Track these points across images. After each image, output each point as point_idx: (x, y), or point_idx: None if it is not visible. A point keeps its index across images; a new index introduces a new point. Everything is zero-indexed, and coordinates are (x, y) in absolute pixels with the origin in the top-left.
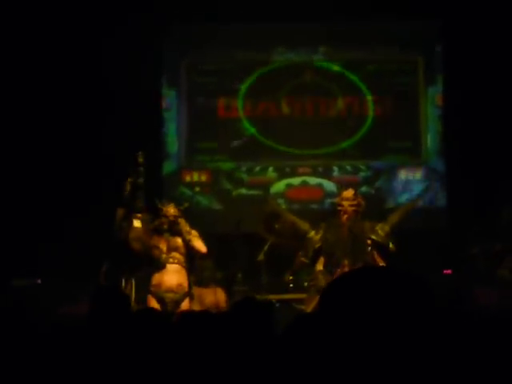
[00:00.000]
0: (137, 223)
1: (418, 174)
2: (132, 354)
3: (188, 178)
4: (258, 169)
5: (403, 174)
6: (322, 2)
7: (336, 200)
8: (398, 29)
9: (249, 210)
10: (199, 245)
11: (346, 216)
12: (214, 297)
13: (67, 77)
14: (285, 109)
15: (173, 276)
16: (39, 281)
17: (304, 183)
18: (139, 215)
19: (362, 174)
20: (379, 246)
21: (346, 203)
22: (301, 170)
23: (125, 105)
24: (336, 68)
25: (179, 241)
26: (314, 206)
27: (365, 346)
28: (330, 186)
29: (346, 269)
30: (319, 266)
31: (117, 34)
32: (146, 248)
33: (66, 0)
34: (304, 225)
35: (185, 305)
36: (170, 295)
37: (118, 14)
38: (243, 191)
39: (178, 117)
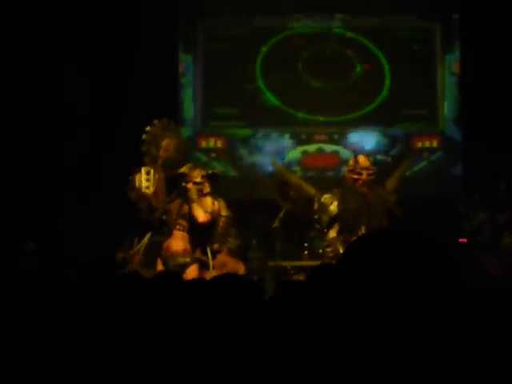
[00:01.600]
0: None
1: (434, 142)
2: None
3: (204, 144)
4: (274, 136)
5: (419, 142)
6: None
7: (353, 168)
8: None
9: (264, 176)
10: (197, 213)
11: (364, 185)
12: (236, 266)
13: (83, 42)
14: (302, 75)
15: (179, 242)
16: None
17: (320, 150)
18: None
19: (378, 141)
20: (390, 214)
21: (364, 172)
22: (317, 137)
23: (141, 70)
24: (353, 35)
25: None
26: (330, 174)
27: (385, 309)
28: (345, 153)
29: None
30: (333, 233)
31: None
32: (160, 208)
33: None
34: (310, 189)
35: (191, 270)
36: (174, 260)
37: None
38: (259, 158)
39: (195, 82)
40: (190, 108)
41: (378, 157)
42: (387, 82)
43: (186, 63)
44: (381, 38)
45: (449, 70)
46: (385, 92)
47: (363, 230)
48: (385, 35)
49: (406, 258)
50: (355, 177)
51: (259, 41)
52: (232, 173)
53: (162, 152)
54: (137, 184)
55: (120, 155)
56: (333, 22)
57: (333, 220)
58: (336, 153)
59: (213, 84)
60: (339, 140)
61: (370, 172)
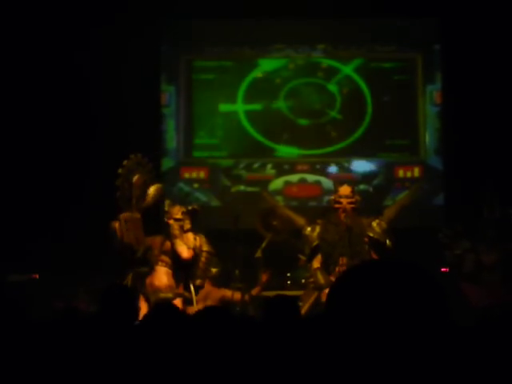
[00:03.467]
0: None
1: (416, 172)
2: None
3: (187, 175)
4: (256, 165)
5: (401, 172)
6: None
7: (333, 197)
8: (397, 26)
9: (247, 206)
10: (181, 249)
11: (344, 214)
12: (220, 293)
13: (65, 72)
14: (283, 107)
15: (162, 277)
16: (36, 276)
17: (302, 180)
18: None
19: (360, 171)
20: (375, 243)
21: (344, 200)
22: (299, 167)
23: (123, 101)
24: (335, 65)
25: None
26: (313, 204)
27: (376, 344)
28: (328, 183)
29: (345, 267)
30: (316, 264)
31: (115, 30)
32: (141, 248)
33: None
34: (300, 220)
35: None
36: (157, 295)
37: (116, 10)
38: (242, 188)
39: (177, 113)
40: (172, 138)
41: (361, 186)
42: (369, 111)
43: (168, 93)
44: (362, 67)
45: (430, 100)
46: (366, 122)
47: (344, 260)
48: (366, 65)
49: (394, 289)
50: (336, 206)
51: (242, 71)
52: (215, 203)
53: (133, 189)
54: (118, 234)
55: (99, 188)
56: (315, 52)
57: (314, 250)
58: (318, 183)
59: (195, 114)
60: (321, 170)
61: (351, 200)
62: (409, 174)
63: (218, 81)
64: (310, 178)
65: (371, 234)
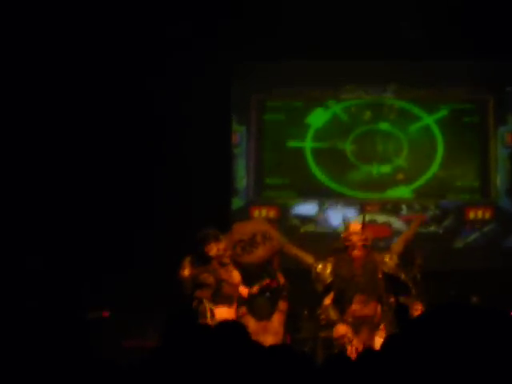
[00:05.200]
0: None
1: (487, 214)
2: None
3: (256, 214)
4: (326, 206)
5: (472, 214)
6: (391, 40)
7: (343, 235)
8: (469, 68)
9: (315, 246)
10: (242, 289)
11: (355, 251)
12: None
13: (138, 110)
14: (354, 147)
15: (233, 312)
16: (107, 314)
17: (372, 221)
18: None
19: (430, 212)
20: (391, 278)
21: (354, 238)
22: (369, 207)
23: (195, 142)
24: (405, 106)
25: (238, 278)
26: (382, 244)
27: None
28: (398, 224)
29: (358, 305)
30: (327, 301)
31: (188, 69)
32: (219, 282)
33: (132, 41)
34: (308, 258)
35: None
36: None
37: (187, 52)
38: (311, 228)
39: (247, 152)
40: (242, 178)
41: (431, 228)
42: (439, 153)
43: (239, 134)
44: (432, 109)
45: (502, 142)
46: (437, 164)
47: (358, 299)
48: (436, 107)
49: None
50: (347, 243)
51: (311, 111)
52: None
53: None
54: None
55: (169, 227)
56: (385, 93)
57: (327, 288)
58: (388, 223)
59: (265, 154)
60: (391, 210)
61: (361, 237)
62: (479, 216)
63: (287, 121)
64: (380, 218)
65: (386, 270)
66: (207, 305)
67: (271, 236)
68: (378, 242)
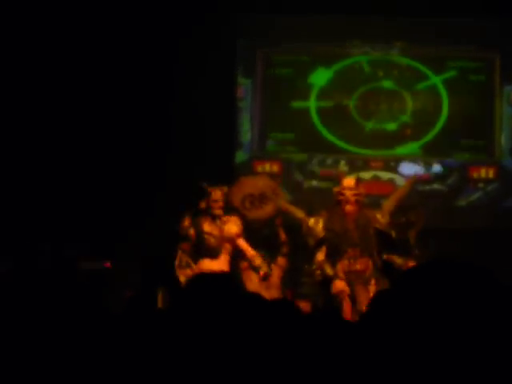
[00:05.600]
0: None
1: (490, 173)
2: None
3: (260, 169)
4: (329, 161)
5: (475, 173)
6: None
7: (337, 189)
8: (476, 26)
9: (319, 202)
10: (243, 244)
11: (348, 205)
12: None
13: (143, 67)
14: (358, 105)
15: (221, 266)
16: (108, 264)
17: (375, 177)
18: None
19: (434, 170)
20: (382, 235)
21: (347, 192)
22: (373, 163)
23: (200, 94)
24: (412, 63)
25: (233, 231)
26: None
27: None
28: (401, 181)
29: (351, 260)
30: (320, 256)
31: (193, 22)
32: (199, 234)
33: None
34: (299, 213)
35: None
36: None
37: (195, 2)
38: (314, 183)
39: (252, 106)
40: (246, 132)
41: (435, 186)
42: (444, 112)
43: (244, 87)
44: (439, 66)
45: (507, 101)
46: (442, 122)
47: (351, 254)
48: (443, 64)
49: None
50: (340, 198)
51: (317, 66)
52: (282, 193)
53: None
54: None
55: (178, 179)
56: (392, 49)
57: (319, 242)
58: (391, 180)
59: (270, 109)
60: (395, 168)
61: (355, 192)
62: (483, 175)
63: (293, 76)
64: (384, 175)
65: (377, 226)
66: (183, 258)
67: (279, 193)
68: (381, 198)
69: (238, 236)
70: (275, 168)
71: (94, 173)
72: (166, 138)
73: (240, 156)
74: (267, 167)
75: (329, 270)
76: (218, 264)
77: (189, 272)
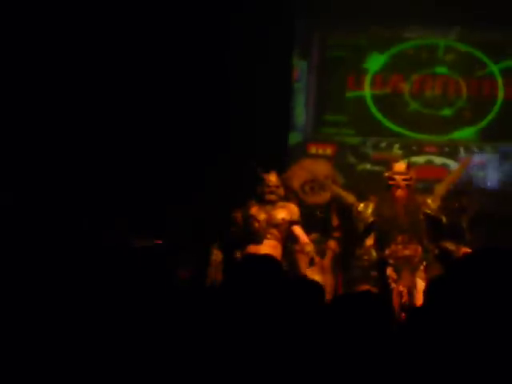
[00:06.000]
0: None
1: None
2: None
3: (313, 150)
4: (383, 145)
5: None
6: None
7: (387, 174)
8: None
9: (371, 185)
10: (299, 232)
11: (398, 190)
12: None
13: (199, 51)
14: (414, 89)
15: (267, 251)
16: (159, 242)
17: (429, 162)
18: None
19: (488, 156)
20: (432, 220)
21: (398, 177)
22: (427, 148)
23: (254, 75)
24: (469, 49)
25: (279, 217)
26: None
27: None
28: (455, 166)
29: (400, 246)
30: (369, 241)
31: (247, 4)
32: (246, 218)
33: None
34: (350, 197)
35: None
36: None
37: None
38: (367, 167)
39: (308, 88)
40: (301, 114)
41: (489, 171)
42: (500, 96)
43: (300, 69)
44: (497, 52)
45: None
46: (497, 107)
47: (400, 239)
48: (501, 50)
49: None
50: (390, 182)
51: (374, 49)
52: (340, 180)
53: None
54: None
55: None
56: (450, 34)
57: (369, 228)
58: (445, 166)
59: (325, 91)
60: (449, 153)
61: (406, 177)
62: None
63: (349, 58)
64: (438, 160)
65: (428, 211)
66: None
67: (337, 181)
68: (434, 183)
69: (286, 222)
70: (329, 150)
71: (151, 154)
72: (221, 118)
73: (294, 137)
74: (320, 149)
75: (375, 255)
76: (263, 249)
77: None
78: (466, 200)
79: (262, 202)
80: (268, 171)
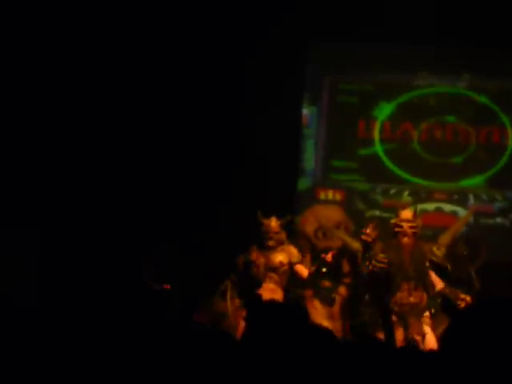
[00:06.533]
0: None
1: None
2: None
3: (322, 196)
4: (393, 191)
5: None
6: (467, 27)
7: (394, 221)
8: None
9: (381, 232)
10: (300, 269)
11: (405, 238)
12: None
13: (209, 91)
14: (423, 137)
15: (267, 294)
16: (168, 286)
17: (438, 209)
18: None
19: (498, 204)
20: (438, 268)
21: (405, 225)
22: (436, 195)
23: (265, 120)
24: (479, 98)
25: (277, 260)
26: None
27: None
28: (464, 214)
29: (405, 293)
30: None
31: (259, 49)
32: (247, 263)
33: (210, 18)
34: (355, 244)
35: None
36: None
37: (260, 30)
38: (377, 213)
39: (317, 134)
40: (310, 159)
41: (497, 220)
42: (510, 145)
43: (310, 114)
44: (508, 102)
45: None
46: (507, 154)
47: (406, 287)
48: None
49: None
50: (397, 230)
51: (383, 97)
52: (352, 227)
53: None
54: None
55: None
56: (459, 82)
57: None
58: (455, 213)
59: (335, 137)
60: (459, 200)
61: (412, 225)
62: None
63: (359, 105)
64: (447, 207)
65: (434, 259)
66: (228, 287)
67: (350, 229)
68: (443, 231)
69: (284, 265)
70: (338, 196)
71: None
72: (230, 162)
73: (303, 183)
74: (330, 195)
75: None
76: (263, 293)
77: (222, 305)
78: (475, 248)
79: (263, 247)
80: (269, 217)
